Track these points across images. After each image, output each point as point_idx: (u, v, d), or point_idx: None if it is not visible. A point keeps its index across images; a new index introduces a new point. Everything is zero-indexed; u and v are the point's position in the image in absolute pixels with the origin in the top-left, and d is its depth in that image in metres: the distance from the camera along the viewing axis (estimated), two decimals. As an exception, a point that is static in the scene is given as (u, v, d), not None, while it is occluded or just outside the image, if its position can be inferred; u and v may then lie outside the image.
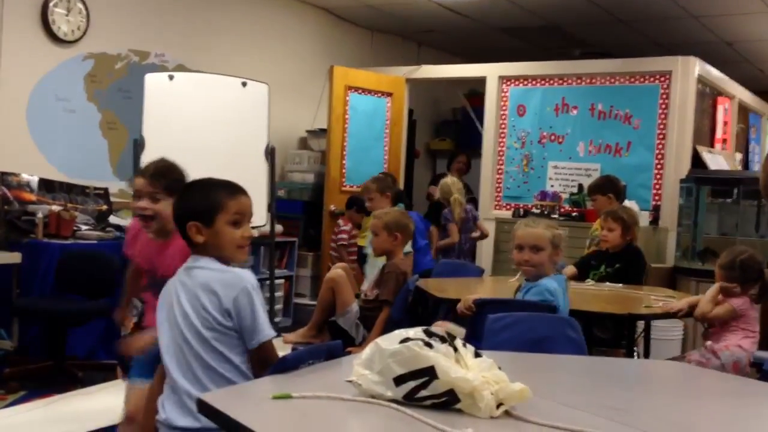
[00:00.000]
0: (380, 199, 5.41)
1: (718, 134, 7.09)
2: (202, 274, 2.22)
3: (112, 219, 5.71)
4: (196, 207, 2.26)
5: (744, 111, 7.96)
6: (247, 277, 2.22)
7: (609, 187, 5.28)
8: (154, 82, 5.42)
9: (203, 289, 2.19)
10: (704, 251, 6.02)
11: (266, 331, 2.20)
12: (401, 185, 7.81)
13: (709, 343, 3.60)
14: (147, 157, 5.27)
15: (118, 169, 6.02)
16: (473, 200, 7.19)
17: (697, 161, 6.40)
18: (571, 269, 4.66)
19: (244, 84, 5.69)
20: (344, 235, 6.57)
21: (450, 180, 6.41)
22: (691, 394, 2.25)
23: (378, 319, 4.08)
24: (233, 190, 2.31)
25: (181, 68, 6.38)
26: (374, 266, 4.96)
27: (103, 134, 5.97)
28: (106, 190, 5.83)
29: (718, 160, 6.75)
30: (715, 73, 6.86)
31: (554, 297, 3.15)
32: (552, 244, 3.21)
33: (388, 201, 5.43)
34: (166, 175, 2.88)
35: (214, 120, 5.53)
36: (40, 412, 4.18)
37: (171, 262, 2.68)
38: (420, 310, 4.12)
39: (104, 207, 5.77)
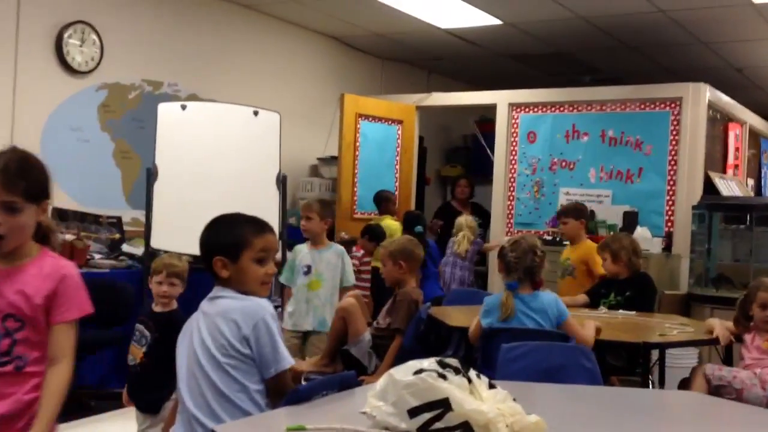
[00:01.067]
0: (318, 224, 4.90)
1: (730, 160, 7.07)
2: (223, 302, 2.26)
3: (125, 247, 5.73)
4: (223, 242, 2.30)
5: (755, 136, 7.95)
6: (266, 306, 2.27)
7: (581, 212, 5.30)
8: (166, 111, 5.46)
9: (223, 317, 2.23)
10: (718, 278, 5.97)
11: (286, 359, 2.24)
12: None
13: (759, 371, 3.55)
14: (160, 186, 5.34)
15: (131, 198, 6.05)
16: (485, 224, 7.22)
17: (709, 187, 6.38)
18: (582, 297, 4.65)
19: (255, 113, 5.73)
20: (355, 261, 6.55)
21: (464, 219, 6.49)
22: (707, 425, 2.22)
23: (390, 347, 4.06)
24: (259, 227, 2.35)
25: (193, 98, 6.43)
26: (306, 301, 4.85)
27: (116, 163, 6.01)
28: (119, 218, 5.86)
29: (730, 186, 6.73)
30: (725, 99, 6.87)
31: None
32: None
33: (325, 228, 4.98)
34: (26, 175, 2.08)
35: (226, 149, 5.57)
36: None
37: (20, 296, 2.07)
38: (432, 338, 4.10)
39: (117, 236, 5.79)
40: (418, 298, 4.22)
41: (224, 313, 2.23)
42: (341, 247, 5.02)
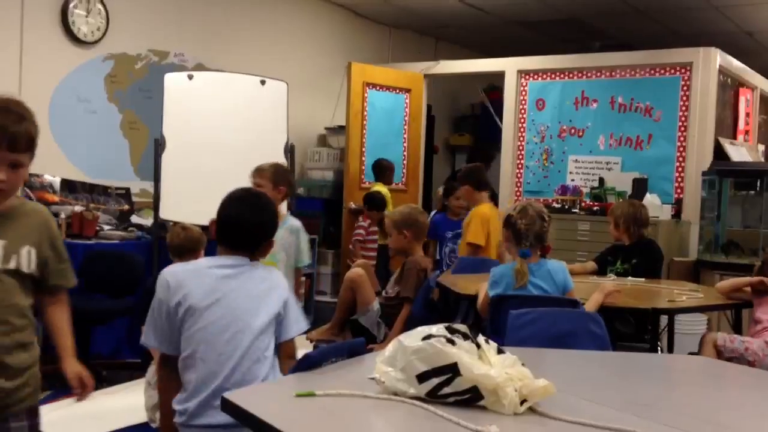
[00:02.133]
0: (270, 192, 4.03)
1: (741, 126, 7.02)
2: (261, 273, 2.38)
3: (134, 219, 5.75)
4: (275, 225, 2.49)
5: (766, 102, 7.87)
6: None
7: (465, 178, 5.20)
8: (173, 81, 5.45)
9: (269, 285, 2.35)
10: (727, 244, 5.96)
11: (305, 321, 2.43)
12: (420, 181, 7.82)
13: None
14: (168, 157, 5.34)
15: (140, 169, 6.06)
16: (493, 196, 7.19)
17: (719, 153, 6.34)
18: (591, 265, 4.65)
19: (263, 82, 5.70)
20: (361, 231, 6.57)
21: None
22: (716, 388, 2.23)
23: (399, 316, 4.08)
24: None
25: (200, 67, 6.41)
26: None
27: (124, 134, 6.01)
28: (127, 190, 5.88)
29: (740, 152, 6.68)
30: (736, 64, 6.79)
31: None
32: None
33: (279, 197, 4.15)
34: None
35: (233, 118, 5.55)
36: (64, 411, 4.21)
37: None
38: (441, 306, 4.11)
39: (126, 207, 5.81)
40: (427, 266, 4.23)
41: (269, 281, 2.36)
42: (297, 223, 4.34)
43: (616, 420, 1.66)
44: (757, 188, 5.89)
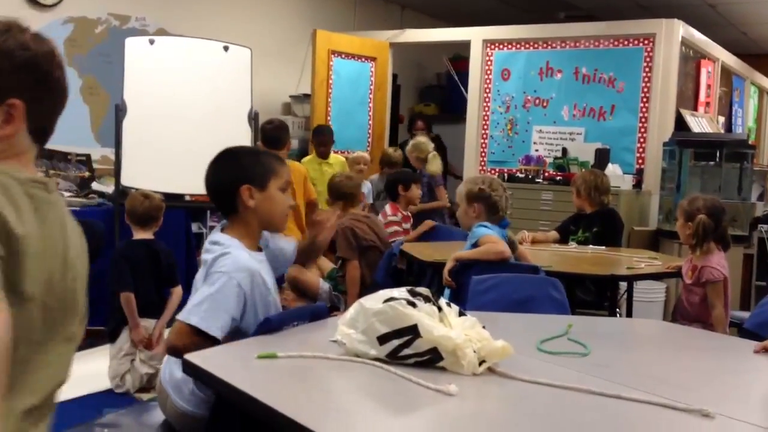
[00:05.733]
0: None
1: (702, 97, 7.10)
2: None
3: (95, 185, 5.67)
4: (248, 170, 2.19)
5: (727, 74, 7.97)
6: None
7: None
8: (134, 46, 5.35)
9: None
10: (687, 214, 6.04)
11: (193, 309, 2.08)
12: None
13: None
14: (129, 123, 5.26)
15: (100, 135, 5.96)
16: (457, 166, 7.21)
17: (680, 124, 6.42)
18: (553, 234, 4.71)
19: (226, 48, 5.63)
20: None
21: (423, 138, 6.34)
22: (671, 350, 2.28)
23: (347, 278, 4.13)
24: (279, 158, 2.31)
25: (162, 32, 6.30)
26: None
27: (84, 100, 5.90)
28: (88, 156, 5.78)
29: (701, 123, 6.78)
30: (698, 36, 6.86)
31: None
32: (466, 199, 3.39)
33: None
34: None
35: (196, 85, 5.48)
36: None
37: None
38: (406, 275, 4.14)
39: (86, 173, 5.72)
40: (352, 224, 4.30)
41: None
42: None
43: (573, 380, 1.70)
44: (716, 159, 5.98)
